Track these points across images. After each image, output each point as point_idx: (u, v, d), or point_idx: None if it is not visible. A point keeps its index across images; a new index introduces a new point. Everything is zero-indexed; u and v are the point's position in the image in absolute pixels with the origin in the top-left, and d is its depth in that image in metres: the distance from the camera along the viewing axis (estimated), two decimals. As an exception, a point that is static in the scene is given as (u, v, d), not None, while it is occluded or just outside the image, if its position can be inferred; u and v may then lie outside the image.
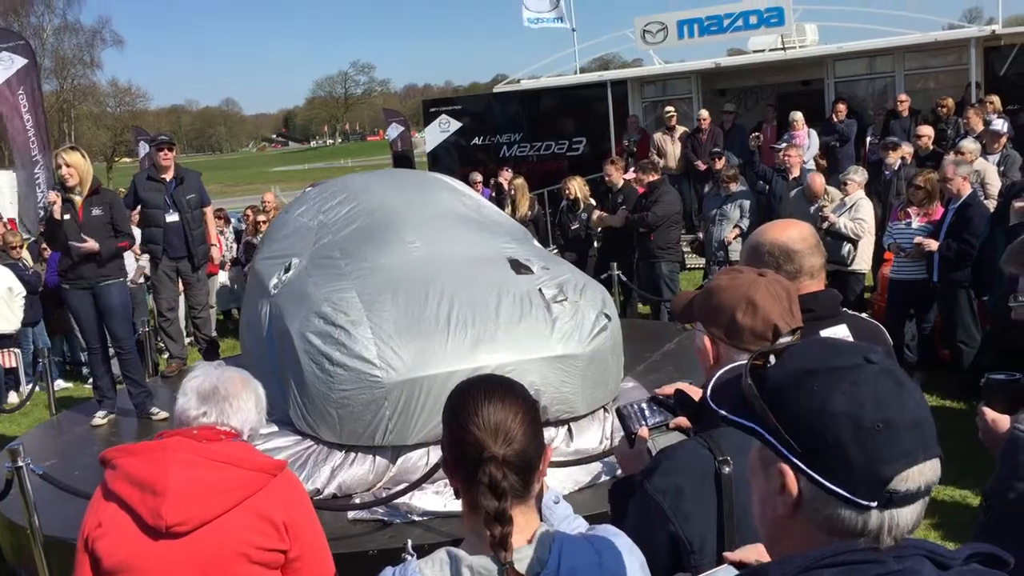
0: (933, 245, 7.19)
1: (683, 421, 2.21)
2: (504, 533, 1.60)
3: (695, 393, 2.21)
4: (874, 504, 1.15)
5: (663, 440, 2.18)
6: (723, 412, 1.29)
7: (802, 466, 1.18)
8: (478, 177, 13.38)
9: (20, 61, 13.85)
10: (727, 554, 1.63)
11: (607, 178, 10.46)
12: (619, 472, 2.38)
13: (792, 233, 2.72)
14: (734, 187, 10.16)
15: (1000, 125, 9.64)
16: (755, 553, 1.60)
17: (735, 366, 1.35)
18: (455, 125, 17.74)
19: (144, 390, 6.87)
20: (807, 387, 1.19)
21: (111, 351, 7.01)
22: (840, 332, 2.60)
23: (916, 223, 7.53)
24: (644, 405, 2.26)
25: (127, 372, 6.89)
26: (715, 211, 10.27)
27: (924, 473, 1.16)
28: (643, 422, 2.22)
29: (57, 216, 6.41)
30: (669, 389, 2.29)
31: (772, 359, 1.28)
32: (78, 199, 6.52)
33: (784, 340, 2.02)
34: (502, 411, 1.68)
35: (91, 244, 6.45)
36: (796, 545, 1.23)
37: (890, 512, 1.16)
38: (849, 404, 1.16)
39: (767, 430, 1.22)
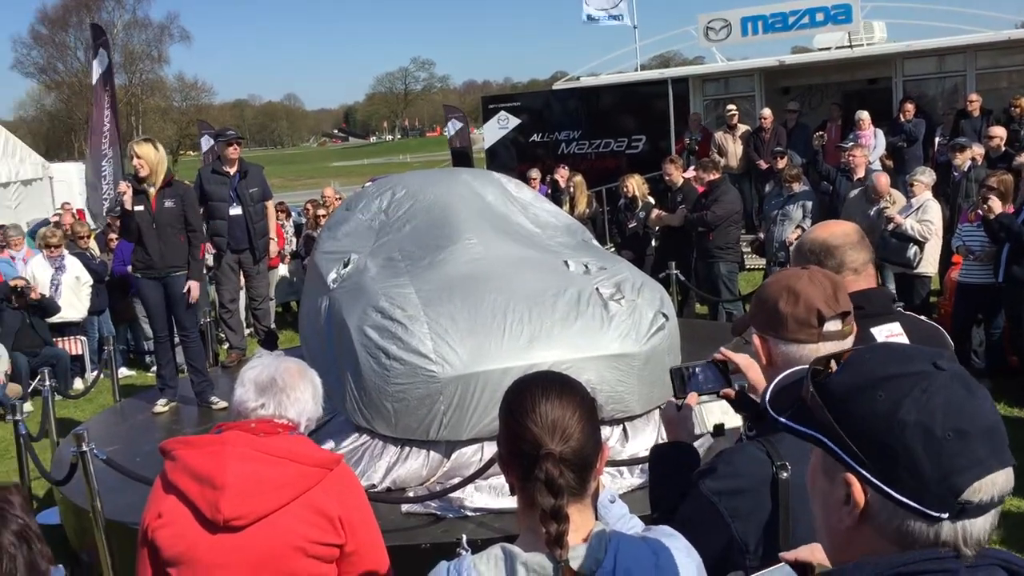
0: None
1: (732, 393, 2.19)
2: (560, 531, 1.58)
3: (750, 368, 2.18)
4: (945, 515, 1.11)
5: (710, 408, 2.17)
6: (783, 420, 1.25)
7: (870, 477, 1.14)
8: (535, 174, 13.35)
9: (106, 58, 14.35)
10: (783, 554, 1.59)
11: (667, 177, 10.35)
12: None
13: (834, 230, 2.73)
14: (796, 187, 9.98)
15: None
16: (810, 553, 1.56)
17: (794, 371, 1.31)
18: (514, 122, 17.74)
19: (205, 379, 7.00)
20: (874, 395, 1.15)
21: (176, 340, 7.15)
22: (893, 331, 2.54)
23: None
24: (699, 369, 2.23)
25: (190, 360, 7.02)
26: (776, 211, 10.10)
27: (997, 483, 1.12)
28: (695, 387, 2.19)
29: (128, 207, 6.54)
30: (732, 355, 2.25)
31: (834, 365, 1.23)
32: (151, 191, 6.62)
33: (831, 326, 1.98)
34: (560, 408, 1.67)
35: (195, 293, 6.71)
36: (862, 554, 1.19)
37: (962, 523, 1.12)
38: (919, 413, 1.12)
39: (832, 439, 1.18)
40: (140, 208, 6.58)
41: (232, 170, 8.04)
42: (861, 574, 1.16)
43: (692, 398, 2.18)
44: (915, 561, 1.13)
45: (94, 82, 14.52)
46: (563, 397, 1.69)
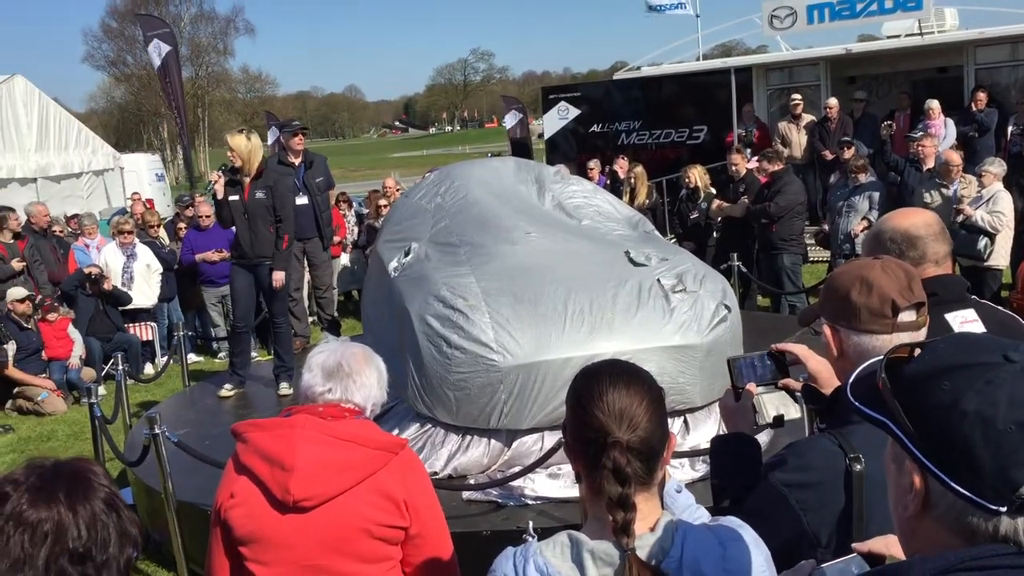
0: None
1: (792, 383, 2.17)
2: (627, 519, 1.59)
3: (810, 358, 2.15)
4: (1003, 509, 1.10)
5: (769, 399, 2.15)
6: (856, 404, 1.25)
7: (929, 465, 1.15)
8: (595, 164, 13.30)
9: (165, 48, 14.62)
10: (856, 544, 1.59)
11: (733, 167, 10.22)
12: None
13: (916, 220, 2.68)
14: (863, 178, 9.79)
15: None
16: (884, 544, 1.56)
17: (879, 360, 1.31)
18: (574, 112, 17.68)
19: (285, 366, 7.11)
20: (940, 384, 1.15)
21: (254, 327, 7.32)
22: (967, 317, 2.50)
23: None
24: (757, 360, 2.21)
25: (278, 346, 7.21)
26: (842, 203, 9.92)
27: None
28: (753, 378, 2.18)
29: (220, 196, 6.76)
30: (789, 346, 2.23)
31: (916, 353, 1.23)
32: (246, 181, 6.79)
33: (906, 317, 1.95)
34: (627, 396, 1.67)
35: (278, 282, 6.87)
36: (927, 545, 1.19)
37: (1023, 519, 1.10)
38: (982, 403, 1.11)
39: (898, 426, 1.18)
40: (235, 198, 6.77)
41: (297, 160, 8.17)
42: (922, 568, 1.15)
43: (752, 387, 2.16)
44: (977, 557, 1.12)
45: (156, 69, 14.85)
46: (631, 386, 1.70)
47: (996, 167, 8.20)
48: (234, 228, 6.88)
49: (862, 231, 9.52)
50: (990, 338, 1.25)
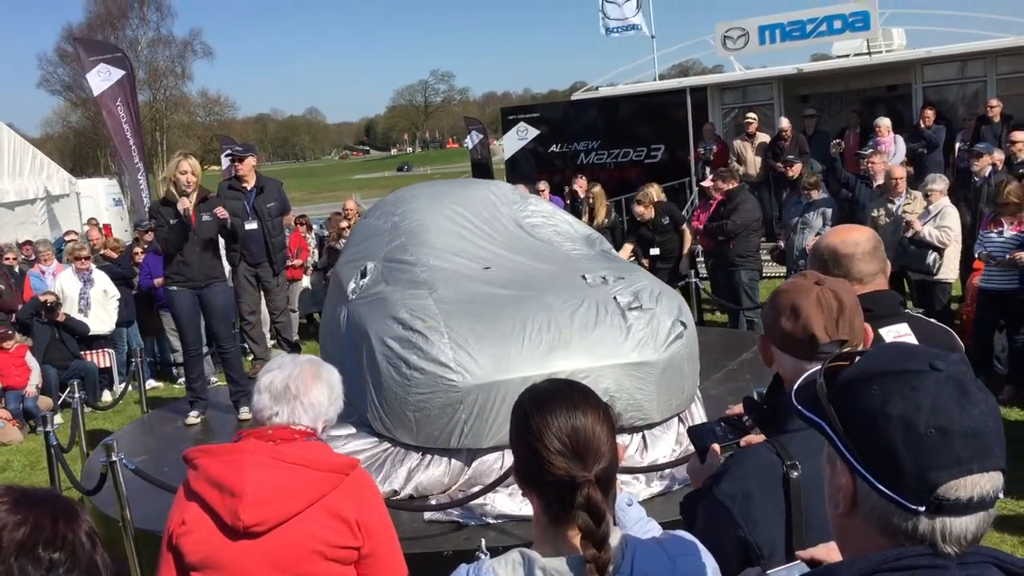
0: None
1: (753, 439, 2.22)
2: (603, 561, 1.57)
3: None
4: (922, 509, 1.16)
5: None
6: (799, 407, 1.31)
7: (856, 465, 1.21)
8: (543, 185, 13.36)
9: (117, 73, 14.39)
10: (799, 552, 1.64)
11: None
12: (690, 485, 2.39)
13: (846, 238, 2.73)
14: (816, 194, 9.97)
15: None
16: (826, 552, 1.61)
17: (819, 369, 1.38)
18: (533, 132, 17.80)
19: (241, 389, 7.08)
20: (870, 388, 1.21)
21: (207, 352, 7.28)
22: (901, 331, 2.57)
23: (1008, 232, 7.34)
24: (715, 425, 2.30)
25: (229, 370, 7.17)
26: (796, 219, 10.09)
27: (979, 484, 1.15)
28: (714, 439, 2.25)
29: (190, 222, 6.76)
30: (738, 409, 2.31)
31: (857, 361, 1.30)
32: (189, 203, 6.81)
33: (826, 351, 1.97)
34: (588, 426, 1.64)
35: (222, 213, 6.89)
36: (857, 543, 1.25)
37: (942, 519, 1.16)
38: (906, 408, 1.17)
39: (831, 428, 1.25)
40: (175, 221, 6.75)
41: (249, 185, 8.15)
42: (849, 570, 1.21)
43: (716, 447, 2.22)
44: (899, 557, 1.18)
45: (96, 94, 14.46)
46: (588, 413, 1.66)
47: (940, 183, 8.42)
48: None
49: (815, 245, 9.68)
50: (923, 348, 1.32)
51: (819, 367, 1.34)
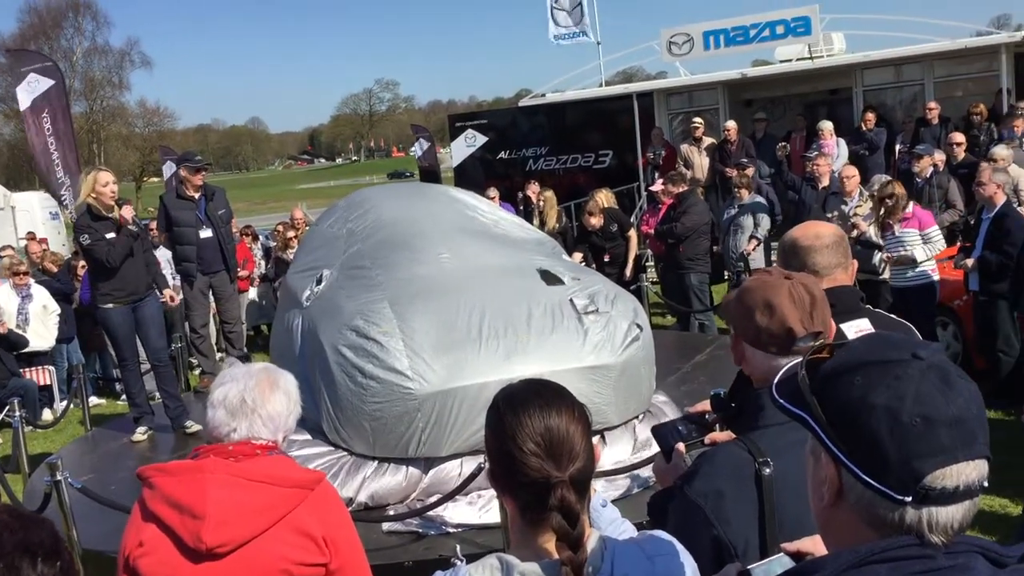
0: (970, 263, 7.26)
1: (718, 436, 2.21)
2: (579, 562, 1.55)
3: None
4: (908, 499, 1.15)
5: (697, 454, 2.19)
6: (781, 401, 1.30)
7: (841, 456, 1.20)
8: (493, 192, 13.30)
9: (46, 83, 13.94)
10: (784, 545, 1.62)
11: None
12: (655, 484, 2.37)
13: (808, 231, 2.76)
14: (746, 195, 10.11)
15: None
16: (812, 544, 1.59)
17: (800, 361, 1.36)
18: (481, 139, 17.79)
19: (180, 404, 6.96)
20: (852, 379, 1.20)
21: (144, 366, 7.10)
22: (862, 326, 2.59)
23: (899, 230, 7.68)
24: (679, 423, 2.29)
25: (163, 385, 6.99)
26: (729, 222, 10.24)
27: (964, 472, 1.15)
28: (679, 438, 2.23)
29: (136, 230, 6.65)
30: (701, 407, 2.30)
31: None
32: (115, 216, 6.67)
33: (803, 344, 1.99)
34: (562, 426, 1.61)
35: (174, 294, 7.13)
36: (842, 535, 1.24)
37: (928, 509, 1.15)
38: (889, 398, 1.16)
39: (815, 419, 1.24)
40: (112, 235, 6.55)
41: (197, 194, 8.00)
42: (836, 563, 1.19)
43: (681, 446, 2.21)
44: (886, 549, 1.16)
45: (22, 108, 14.03)
46: (563, 412, 1.63)
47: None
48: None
49: (753, 249, 9.85)
50: (902, 338, 1.30)
51: (800, 360, 1.32)
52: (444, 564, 1.78)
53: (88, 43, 63.09)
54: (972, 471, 1.15)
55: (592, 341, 4.99)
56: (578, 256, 9.89)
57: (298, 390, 2.45)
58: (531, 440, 1.59)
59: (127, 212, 6.64)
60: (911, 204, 7.83)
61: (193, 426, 6.73)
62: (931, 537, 1.15)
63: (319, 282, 5.72)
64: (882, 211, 7.79)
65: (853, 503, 1.21)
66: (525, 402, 1.65)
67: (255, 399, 2.34)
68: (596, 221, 9.98)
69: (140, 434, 6.84)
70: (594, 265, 9.69)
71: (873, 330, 2.60)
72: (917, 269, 7.61)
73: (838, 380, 1.22)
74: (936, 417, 1.14)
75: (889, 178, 8.95)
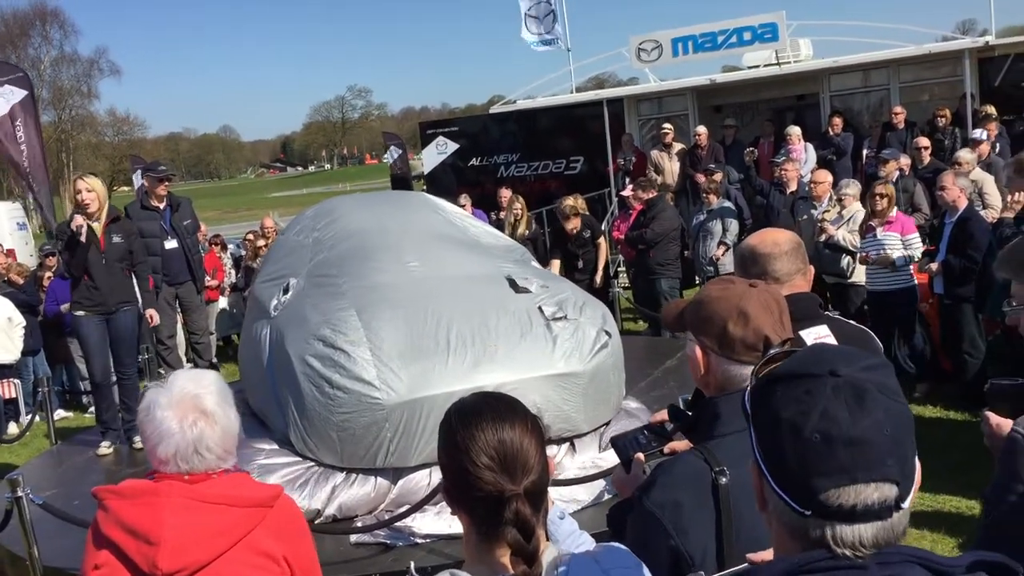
0: (934, 267, 7.33)
1: (677, 446, 2.20)
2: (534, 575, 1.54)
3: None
4: (808, 513, 1.16)
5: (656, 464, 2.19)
6: (746, 408, 1.32)
7: (760, 465, 1.22)
8: (465, 199, 13.26)
9: (20, 93, 13.81)
10: (750, 555, 1.62)
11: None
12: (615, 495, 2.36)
13: (766, 238, 2.76)
14: (714, 200, 10.17)
15: (979, 134, 10.14)
16: (774, 555, 1.59)
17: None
18: (452, 146, 17.76)
19: (135, 418, 6.84)
20: (775, 390, 1.23)
21: (113, 379, 7.02)
22: (820, 333, 2.60)
23: (880, 232, 7.72)
24: (638, 434, 2.28)
25: (125, 398, 6.91)
26: (698, 227, 10.30)
27: (863, 494, 1.14)
28: (638, 449, 2.23)
29: (83, 239, 6.46)
30: (661, 417, 2.29)
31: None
32: (97, 226, 6.58)
33: (774, 351, 2.00)
34: (516, 438, 1.60)
35: (155, 318, 7.05)
36: (776, 544, 1.27)
37: (831, 524, 1.15)
38: (796, 412, 1.17)
39: (750, 427, 1.28)
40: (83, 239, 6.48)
41: (161, 204, 7.92)
42: (772, 571, 1.20)
43: (640, 456, 2.20)
44: (805, 562, 1.16)
45: None
46: (516, 424, 1.62)
47: (852, 188, 8.68)
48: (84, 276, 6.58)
49: (723, 254, 9.91)
50: (837, 351, 1.30)
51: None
52: (408, 576, 1.76)
53: (56, 52, 62.49)
54: (873, 493, 1.14)
55: (561, 348, 4.98)
56: (556, 264, 9.88)
57: (231, 395, 2.34)
58: (484, 454, 1.58)
59: (76, 220, 6.54)
60: (895, 209, 7.90)
61: (139, 442, 6.64)
62: (838, 551, 1.15)
63: (286, 291, 5.67)
64: (869, 209, 7.82)
65: (772, 512, 1.23)
66: (478, 416, 1.63)
67: (197, 443, 2.21)
68: (573, 225, 9.98)
69: (105, 448, 6.76)
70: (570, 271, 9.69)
71: (832, 337, 2.60)
72: (897, 272, 7.64)
73: (766, 390, 1.25)
74: (836, 436, 1.14)
75: (885, 178, 9.01)
